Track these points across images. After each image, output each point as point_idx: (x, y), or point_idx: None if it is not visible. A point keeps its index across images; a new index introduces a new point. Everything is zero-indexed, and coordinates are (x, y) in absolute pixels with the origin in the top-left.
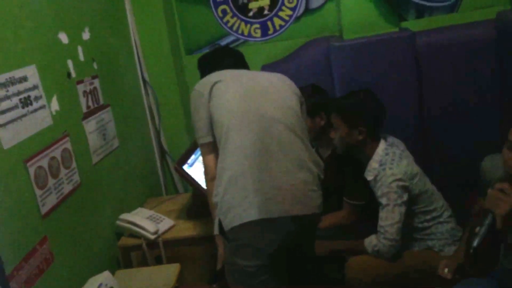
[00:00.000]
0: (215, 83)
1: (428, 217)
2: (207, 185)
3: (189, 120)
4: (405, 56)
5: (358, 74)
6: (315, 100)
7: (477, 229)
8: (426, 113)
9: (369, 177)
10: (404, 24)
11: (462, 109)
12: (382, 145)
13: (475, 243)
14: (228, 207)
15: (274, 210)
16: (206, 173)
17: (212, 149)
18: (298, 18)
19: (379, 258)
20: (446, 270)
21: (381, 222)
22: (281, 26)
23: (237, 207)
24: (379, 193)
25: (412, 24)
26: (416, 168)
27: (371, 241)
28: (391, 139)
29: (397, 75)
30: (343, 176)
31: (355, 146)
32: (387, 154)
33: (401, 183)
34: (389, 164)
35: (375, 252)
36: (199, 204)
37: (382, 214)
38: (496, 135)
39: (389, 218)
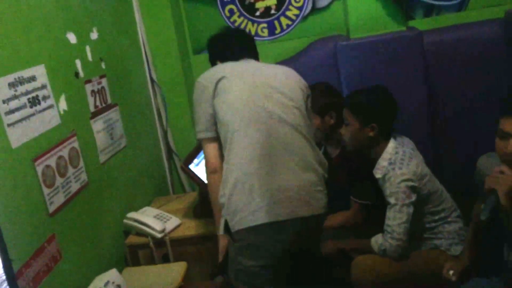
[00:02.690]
0: (221, 79)
1: (436, 217)
2: (207, 178)
3: None
4: (413, 55)
5: (365, 73)
6: (326, 99)
7: (483, 205)
8: (434, 112)
9: (378, 175)
10: (411, 23)
11: (471, 108)
12: (392, 143)
13: (483, 216)
14: (235, 209)
15: (281, 213)
16: (206, 165)
17: (212, 142)
18: (305, 18)
19: (386, 257)
20: (451, 272)
21: (388, 222)
22: (288, 26)
23: (245, 210)
24: (387, 192)
25: (420, 23)
26: (425, 169)
27: (377, 240)
28: (400, 138)
29: (404, 74)
30: (351, 175)
31: (365, 143)
32: (396, 152)
33: (410, 184)
34: (399, 163)
35: (382, 251)
36: (205, 203)
37: (389, 213)
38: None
39: (397, 218)
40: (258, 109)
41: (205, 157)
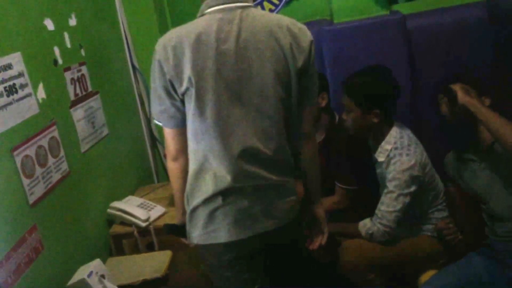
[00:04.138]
0: (196, 82)
1: (429, 205)
2: (168, 165)
3: None
4: (396, 39)
5: (349, 58)
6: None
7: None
8: (418, 97)
9: (381, 158)
10: (395, 7)
11: None
12: (396, 127)
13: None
14: (196, 223)
15: (244, 232)
16: (167, 150)
17: (173, 128)
18: (288, 2)
19: (372, 241)
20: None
21: (380, 207)
22: (271, 10)
23: (205, 227)
24: (389, 176)
25: (403, 7)
26: (427, 157)
27: (365, 224)
28: (399, 123)
29: (388, 58)
30: (335, 161)
31: (369, 129)
32: (402, 137)
33: (414, 173)
34: (406, 150)
35: (369, 235)
36: None
37: (384, 199)
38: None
39: (390, 206)
40: (235, 144)
41: (166, 142)
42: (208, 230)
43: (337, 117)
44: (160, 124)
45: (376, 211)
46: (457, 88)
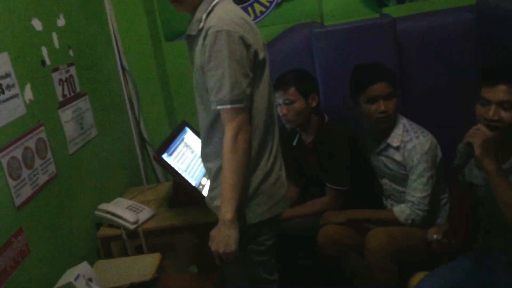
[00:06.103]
0: (263, 58)
1: (438, 195)
2: (243, 145)
3: (170, 108)
4: (386, 42)
5: (339, 60)
6: (307, 82)
7: (458, 154)
8: (407, 99)
9: (395, 143)
10: (385, 10)
11: (442, 95)
12: (403, 117)
13: (457, 161)
14: (260, 199)
15: (286, 204)
16: (242, 130)
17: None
18: (279, 4)
19: (411, 226)
20: (435, 235)
21: (414, 193)
22: (262, 12)
23: (267, 203)
24: (414, 161)
25: (393, 10)
26: None
27: (403, 211)
28: None
29: (378, 60)
30: (326, 162)
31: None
32: (411, 124)
33: (435, 152)
34: (420, 131)
35: (410, 221)
36: (179, 193)
37: (416, 185)
38: (475, 119)
39: (423, 191)
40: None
41: (241, 134)
42: (271, 203)
43: (326, 118)
44: (239, 105)
45: (411, 199)
46: (477, 142)
